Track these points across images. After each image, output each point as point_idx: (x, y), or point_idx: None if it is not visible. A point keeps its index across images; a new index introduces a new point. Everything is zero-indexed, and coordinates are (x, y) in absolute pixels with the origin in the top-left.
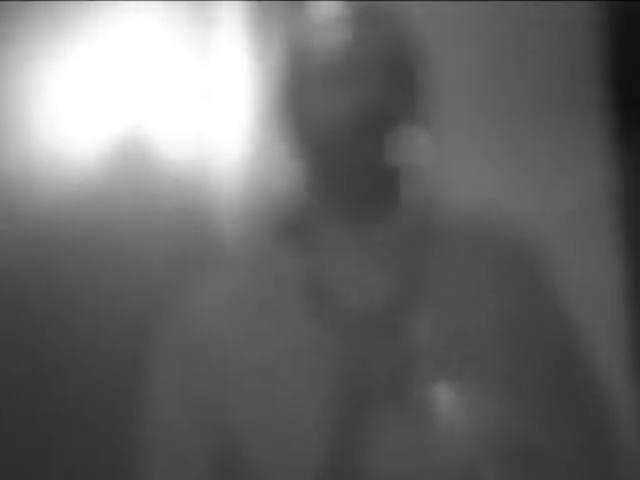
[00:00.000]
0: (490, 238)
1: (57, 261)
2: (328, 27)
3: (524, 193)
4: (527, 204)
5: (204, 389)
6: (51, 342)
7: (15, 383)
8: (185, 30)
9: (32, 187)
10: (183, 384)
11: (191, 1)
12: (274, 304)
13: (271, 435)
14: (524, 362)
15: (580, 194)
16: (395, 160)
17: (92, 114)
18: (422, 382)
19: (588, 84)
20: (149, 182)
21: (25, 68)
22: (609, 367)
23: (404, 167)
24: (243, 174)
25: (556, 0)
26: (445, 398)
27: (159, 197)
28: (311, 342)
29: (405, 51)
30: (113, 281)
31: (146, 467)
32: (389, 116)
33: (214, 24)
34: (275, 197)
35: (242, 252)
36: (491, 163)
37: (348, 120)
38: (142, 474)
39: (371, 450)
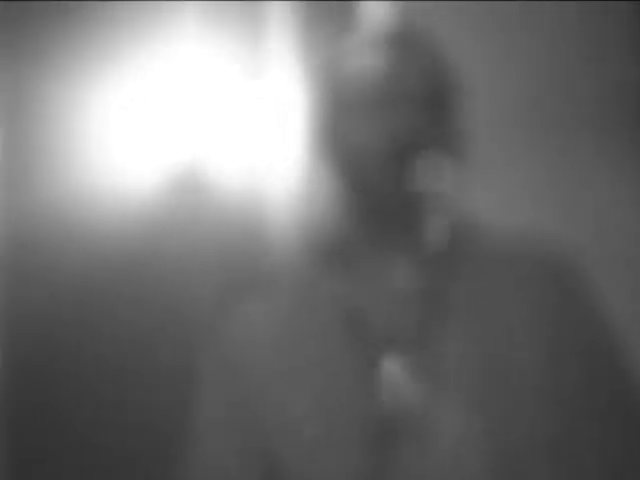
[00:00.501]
0: (522, 256)
1: (114, 289)
2: (368, 54)
3: (560, 212)
4: (563, 223)
5: (247, 419)
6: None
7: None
8: (239, 62)
9: (90, 218)
10: (227, 415)
11: (243, 34)
12: (314, 332)
13: (312, 463)
14: (562, 373)
15: (616, 212)
16: (425, 188)
17: (148, 145)
18: (456, 408)
19: (622, 105)
20: (204, 212)
21: (82, 99)
22: None
23: (433, 195)
24: (296, 202)
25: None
26: (477, 420)
27: (214, 226)
28: (349, 371)
29: (441, 81)
30: (168, 310)
31: None
32: (421, 145)
33: (267, 57)
34: (320, 225)
35: (287, 280)
36: (528, 188)
37: (381, 148)
38: None
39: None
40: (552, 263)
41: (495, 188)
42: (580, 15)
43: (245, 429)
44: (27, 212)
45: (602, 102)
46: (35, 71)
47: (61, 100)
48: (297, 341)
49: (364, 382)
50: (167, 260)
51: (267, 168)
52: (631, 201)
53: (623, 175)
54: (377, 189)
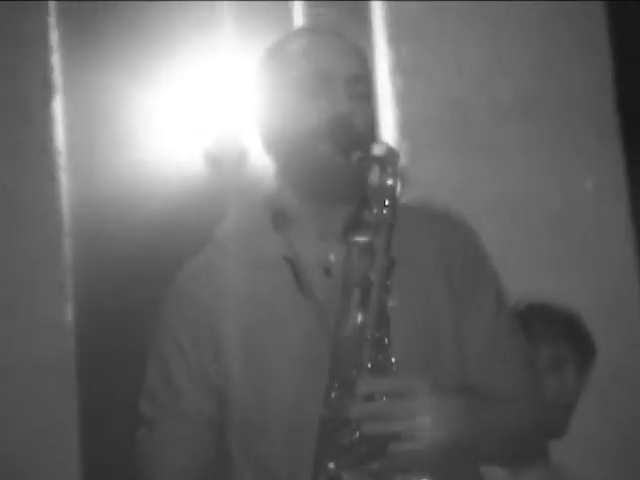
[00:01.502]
0: (434, 217)
1: (162, 247)
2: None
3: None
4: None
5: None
6: None
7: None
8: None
9: (143, 192)
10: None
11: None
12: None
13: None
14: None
15: None
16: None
17: (194, 127)
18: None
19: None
20: (242, 184)
21: (136, 92)
22: None
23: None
24: None
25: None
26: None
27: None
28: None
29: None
30: None
31: None
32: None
33: None
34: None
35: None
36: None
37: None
38: None
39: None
40: (454, 221)
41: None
42: (543, 15)
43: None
44: (91, 189)
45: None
46: (99, 72)
47: (120, 95)
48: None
49: (304, 315)
50: (207, 226)
51: None
52: None
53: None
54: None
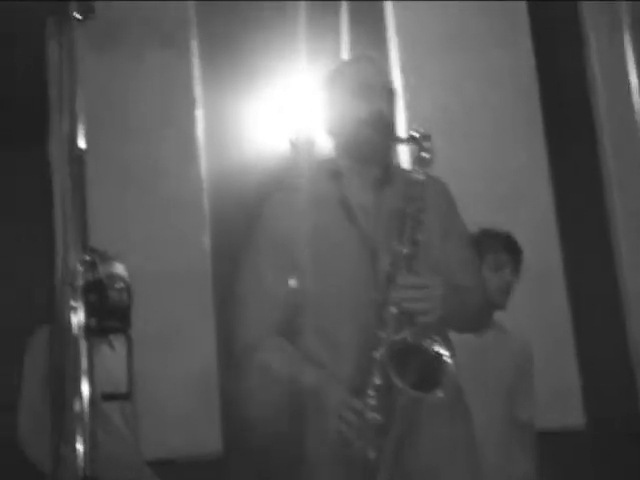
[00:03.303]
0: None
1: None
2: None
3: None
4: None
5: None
6: None
7: None
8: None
9: (256, 166)
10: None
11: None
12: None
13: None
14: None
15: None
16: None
17: (277, 125)
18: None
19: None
20: (311, 159)
21: (225, 99)
22: None
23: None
24: None
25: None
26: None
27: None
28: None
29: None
30: None
31: None
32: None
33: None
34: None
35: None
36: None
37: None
38: None
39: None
40: (439, 181)
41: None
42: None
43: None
44: (222, 164)
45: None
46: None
47: (215, 98)
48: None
49: (353, 237)
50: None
51: None
52: None
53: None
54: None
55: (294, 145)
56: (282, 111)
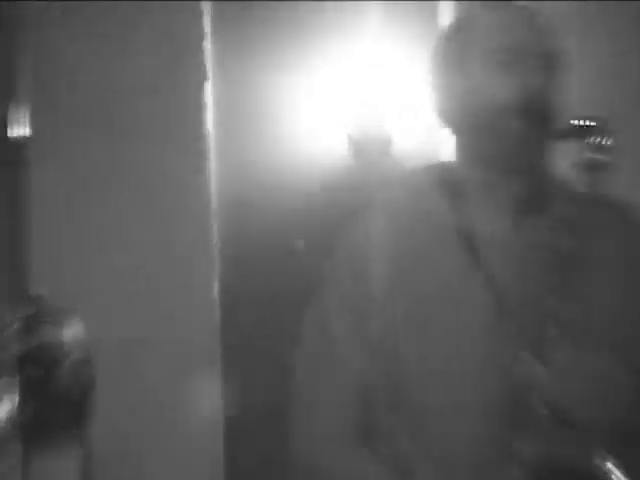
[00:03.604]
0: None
1: (300, 215)
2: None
3: None
4: None
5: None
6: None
7: None
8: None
9: (289, 177)
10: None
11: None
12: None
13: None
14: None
15: None
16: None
17: (338, 114)
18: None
19: None
20: (386, 168)
21: (279, 82)
22: None
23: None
24: None
25: None
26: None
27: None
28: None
29: (551, 47)
30: None
31: None
32: (544, 101)
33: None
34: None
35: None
36: None
37: (511, 102)
38: None
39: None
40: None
41: None
42: None
43: (362, 325)
44: (238, 167)
45: None
46: (248, 60)
47: (266, 86)
48: (412, 254)
49: (476, 286)
50: (350, 209)
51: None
52: None
53: None
54: (503, 141)
55: (355, 147)
56: (337, 97)
